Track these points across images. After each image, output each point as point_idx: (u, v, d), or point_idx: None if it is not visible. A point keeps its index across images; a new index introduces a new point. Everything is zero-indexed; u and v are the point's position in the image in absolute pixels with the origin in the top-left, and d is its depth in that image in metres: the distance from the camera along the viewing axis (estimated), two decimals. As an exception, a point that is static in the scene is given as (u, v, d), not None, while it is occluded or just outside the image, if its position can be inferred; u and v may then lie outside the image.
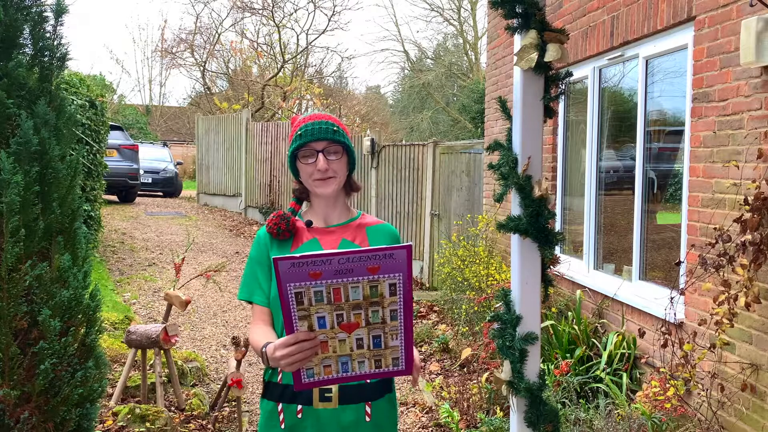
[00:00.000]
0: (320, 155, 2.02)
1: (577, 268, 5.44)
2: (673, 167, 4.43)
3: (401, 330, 1.75)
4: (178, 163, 21.02)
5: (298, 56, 21.18)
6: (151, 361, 4.91)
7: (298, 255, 1.63)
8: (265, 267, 2.08)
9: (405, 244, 1.66)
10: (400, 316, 1.73)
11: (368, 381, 2.02)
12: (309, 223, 2.10)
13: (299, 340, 1.70)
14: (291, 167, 2.11)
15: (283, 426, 2.01)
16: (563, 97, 2.07)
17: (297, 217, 2.13)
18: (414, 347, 1.89)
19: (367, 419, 2.02)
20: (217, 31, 22.10)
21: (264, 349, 1.83)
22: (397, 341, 1.77)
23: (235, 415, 4.58)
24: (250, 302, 2.09)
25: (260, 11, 20.43)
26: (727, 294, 3.18)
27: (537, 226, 1.86)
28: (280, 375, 2.02)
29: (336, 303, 1.69)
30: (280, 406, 2.02)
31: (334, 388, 1.98)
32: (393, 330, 1.75)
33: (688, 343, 3.45)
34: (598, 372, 4.25)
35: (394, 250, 1.64)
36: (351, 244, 2.07)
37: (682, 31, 4.06)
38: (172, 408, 4.65)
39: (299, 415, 1.99)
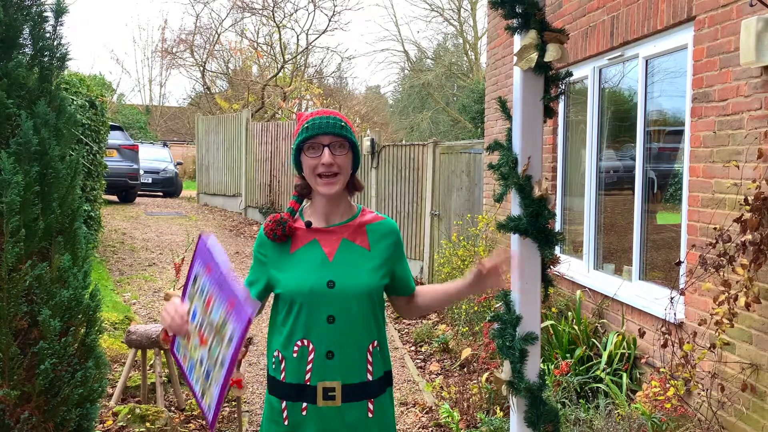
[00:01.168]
0: (326, 149, 2.00)
1: (577, 268, 5.44)
2: (673, 167, 4.44)
3: (219, 385, 1.80)
4: (178, 163, 21.02)
5: (298, 56, 21.18)
6: (151, 361, 4.91)
7: (209, 244, 1.83)
8: (258, 264, 2.13)
9: (250, 312, 1.72)
10: (223, 372, 1.79)
11: (370, 378, 2.04)
12: (308, 224, 2.09)
13: (178, 311, 1.88)
14: (294, 161, 2.09)
15: (286, 423, 2.03)
16: (563, 97, 2.07)
17: (298, 216, 2.12)
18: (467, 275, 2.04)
19: (370, 415, 2.03)
20: (216, 31, 22.10)
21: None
22: (216, 390, 1.81)
23: (235, 415, 4.58)
24: None
25: (260, 11, 20.43)
26: (727, 294, 3.18)
27: (537, 226, 1.86)
28: (283, 373, 2.04)
29: (206, 308, 1.83)
30: (284, 404, 2.04)
31: (337, 386, 1.99)
32: (217, 378, 1.81)
33: (688, 343, 3.45)
34: (598, 372, 4.25)
35: (243, 308, 1.73)
36: (351, 244, 2.06)
37: (682, 31, 4.06)
38: (172, 408, 4.65)
39: (304, 413, 2.01)
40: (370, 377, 2.03)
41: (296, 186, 2.13)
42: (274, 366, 2.08)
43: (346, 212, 2.12)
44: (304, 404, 2.01)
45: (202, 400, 1.87)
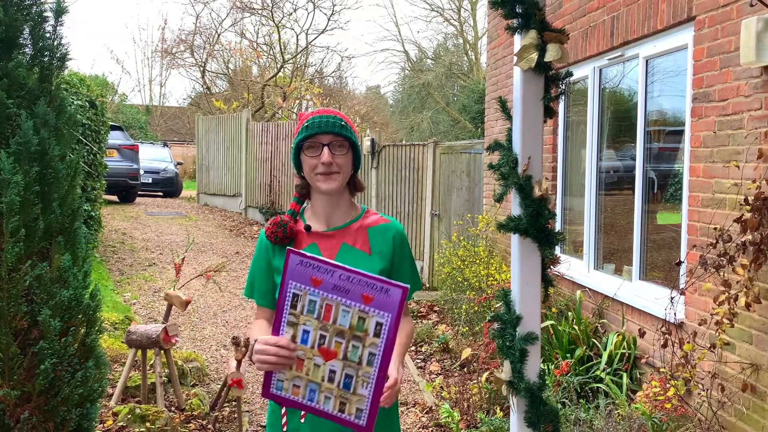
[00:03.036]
0: (325, 148, 1.97)
1: (577, 268, 5.44)
2: (673, 167, 4.44)
3: (373, 380, 1.73)
4: (179, 163, 21.02)
5: (298, 56, 21.19)
6: (152, 361, 4.91)
7: (309, 254, 1.67)
8: (263, 269, 2.08)
9: (403, 285, 1.64)
10: (376, 364, 1.71)
11: None
12: (308, 228, 2.05)
13: (279, 344, 1.73)
14: (294, 160, 2.06)
15: (285, 429, 2.02)
16: (563, 97, 2.07)
17: (299, 217, 2.09)
18: (401, 365, 1.87)
19: None
20: (216, 32, 22.11)
21: (253, 342, 1.84)
22: (365, 391, 1.74)
23: (235, 415, 4.58)
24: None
25: (260, 11, 20.43)
26: (727, 294, 3.18)
27: (537, 226, 1.85)
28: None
29: (324, 322, 1.70)
30: (283, 410, 2.02)
31: None
32: (365, 376, 1.73)
33: (688, 343, 3.45)
34: (598, 372, 4.25)
35: (392, 287, 1.65)
36: (351, 249, 2.03)
37: (682, 31, 4.06)
38: (172, 408, 4.65)
39: (302, 420, 1.99)
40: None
41: (296, 186, 2.10)
42: None
43: (347, 213, 2.08)
44: (303, 412, 1.98)
45: (342, 414, 1.76)
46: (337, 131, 1.99)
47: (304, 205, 2.13)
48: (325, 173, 1.98)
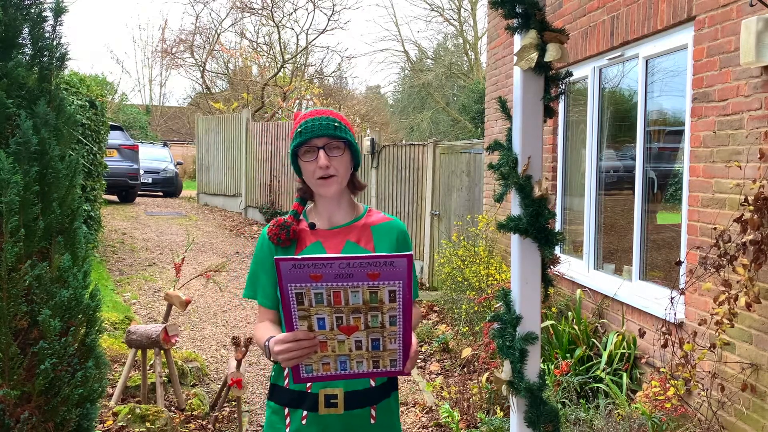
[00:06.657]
0: (321, 152, 1.95)
1: (577, 268, 5.44)
2: (673, 167, 4.43)
3: (400, 334, 1.76)
4: (178, 163, 21.02)
5: (298, 56, 21.18)
6: (152, 361, 4.91)
7: (299, 257, 1.64)
8: (267, 269, 2.06)
9: (406, 253, 1.64)
10: (399, 322, 1.73)
11: (373, 384, 1.99)
12: (312, 226, 2.05)
13: (298, 338, 1.72)
14: (294, 165, 2.06)
15: (288, 430, 1.99)
16: (563, 97, 2.07)
17: (302, 217, 2.08)
18: (413, 334, 1.87)
19: (372, 422, 2.00)
20: (216, 32, 22.11)
21: (267, 343, 1.84)
22: (395, 345, 1.78)
23: (235, 415, 4.58)
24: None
25: (260, 11, 20.43)
26: (727, 294, 3.18)
27: (537, 226, 1.85)
28: (287, 380, 2.00)
29: (336, 306, 1.69)
30: (286, 411, 2.00)
31: (340, 393, 1.95)
32: (392, 335, 1.76)
33: (688, 343, 3.45)
34: (598, 372, 4.25)
35: (395, 259, 1.63)
36: (356, 246, 2.03)
37: (682, 31, 4.06)
38: (172, 408, 4.65)
39: (303, 422, 1.97)
40: (372, 383, 1.99)
41: (298, 189, 2.10)
42: (274, 373, 2.05)
43: (349, 213, 2.08)
44: (305, 413, 1.97)
45: (377, 369, 1.81)
46: (331, 133, 1.96)
47: (307, 206, 2.12)
48: (323, 177, 1.97)
